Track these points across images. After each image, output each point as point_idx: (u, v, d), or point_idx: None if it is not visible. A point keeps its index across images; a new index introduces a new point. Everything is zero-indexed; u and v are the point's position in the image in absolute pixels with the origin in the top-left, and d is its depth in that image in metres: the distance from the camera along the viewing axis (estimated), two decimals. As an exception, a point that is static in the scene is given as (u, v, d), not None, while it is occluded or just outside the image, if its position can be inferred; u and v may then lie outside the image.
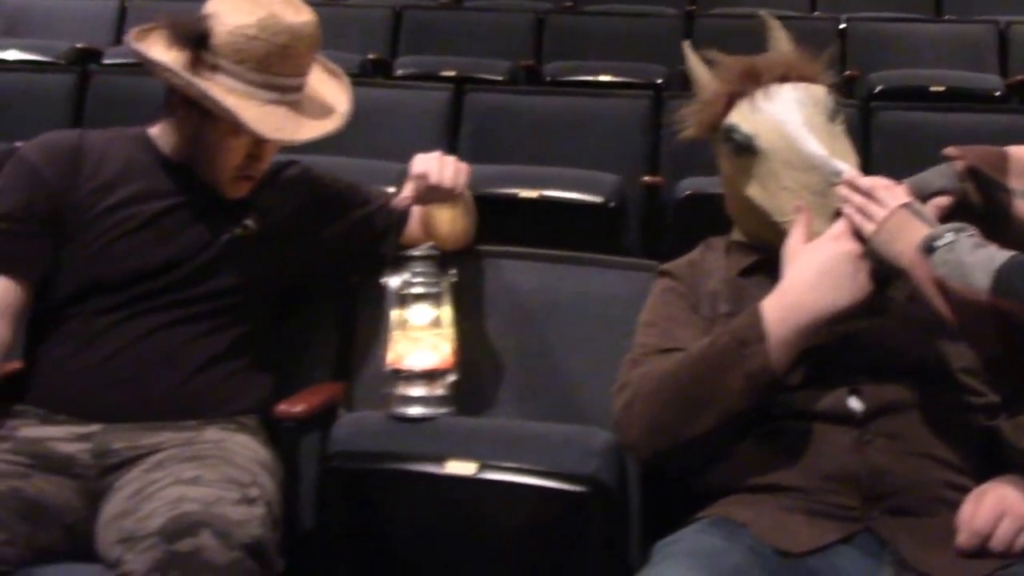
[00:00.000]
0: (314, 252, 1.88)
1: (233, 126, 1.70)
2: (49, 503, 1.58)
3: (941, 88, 3.67)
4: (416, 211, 1.91)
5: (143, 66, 1.73)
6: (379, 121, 3.07)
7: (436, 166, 1.77)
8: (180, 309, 1.74)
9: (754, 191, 1.58)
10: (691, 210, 2.77)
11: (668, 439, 1.47)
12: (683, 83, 3.89)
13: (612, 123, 3.21)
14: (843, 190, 1.46)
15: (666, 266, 1.73)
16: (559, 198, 2.71)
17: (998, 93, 3.70)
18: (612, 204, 2.73)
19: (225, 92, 1.67)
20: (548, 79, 3.83)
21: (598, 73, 3.81)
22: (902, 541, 1.38)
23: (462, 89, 3.28)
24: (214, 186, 1.78)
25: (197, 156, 1.77)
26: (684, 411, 1.46)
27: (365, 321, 1.96)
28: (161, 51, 1.71)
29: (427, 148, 3.15)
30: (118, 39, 4.44)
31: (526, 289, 1.95)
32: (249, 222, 1.80)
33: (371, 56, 3.97)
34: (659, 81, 3.76)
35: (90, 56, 4.06)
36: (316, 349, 1.95)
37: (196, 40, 1.68)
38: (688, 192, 2.77)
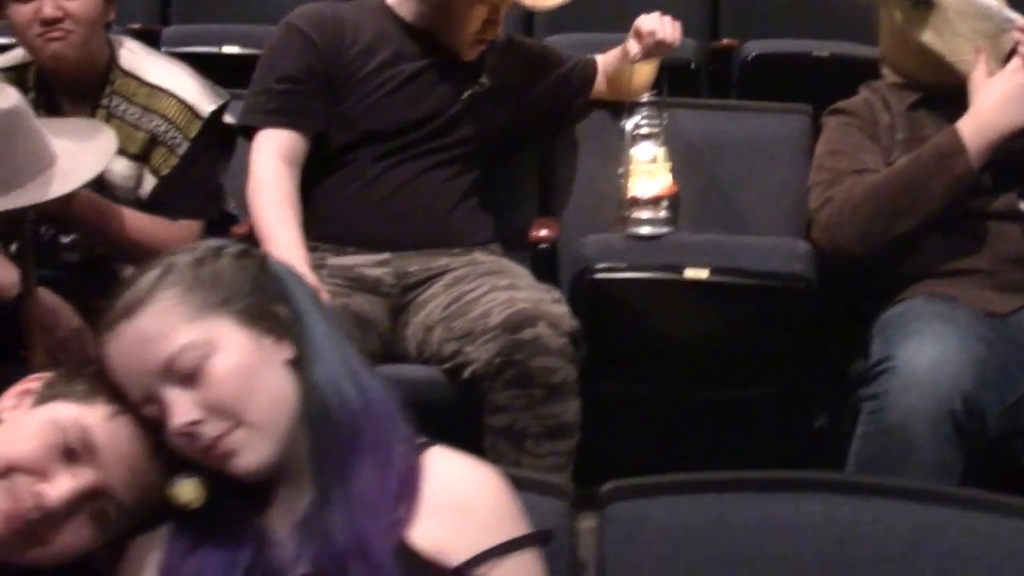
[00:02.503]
0: (526, 105, 2.19)
1: (480, -6, 1.98)
2: (368, 316, 1.90)
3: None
4: (602, 69, 2.24)
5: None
6: None
7: (659, 24, 2.08)
8: (434, 156, 2.04)
9: (929, 38, 1.96)
10: (757, 69, 3.14)
11: (879, 239, 1.87)
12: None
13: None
14: (1017, 34, 1.86)
15: (839, 105, 2.09)
16: (649, 60, 3.02)
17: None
18: (693, 65, 3.07)
19: None
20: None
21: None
22: (1073, 304, 1.83)
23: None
24: (453, 49, 2.06)
25: (440, 23, 2.04)
26: (894, 214, 1.85)
27: (562, 166, 2.29)
28: None
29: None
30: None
31: (697, 132, 2.30)
32: (484, 80, 2.09)
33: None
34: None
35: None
36: (522, 190, 2.27)
37: None
38: (756, 53, 3.13)
